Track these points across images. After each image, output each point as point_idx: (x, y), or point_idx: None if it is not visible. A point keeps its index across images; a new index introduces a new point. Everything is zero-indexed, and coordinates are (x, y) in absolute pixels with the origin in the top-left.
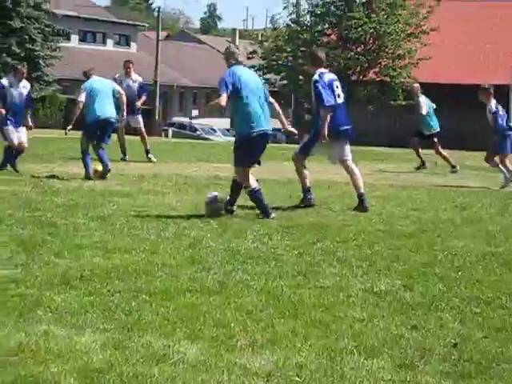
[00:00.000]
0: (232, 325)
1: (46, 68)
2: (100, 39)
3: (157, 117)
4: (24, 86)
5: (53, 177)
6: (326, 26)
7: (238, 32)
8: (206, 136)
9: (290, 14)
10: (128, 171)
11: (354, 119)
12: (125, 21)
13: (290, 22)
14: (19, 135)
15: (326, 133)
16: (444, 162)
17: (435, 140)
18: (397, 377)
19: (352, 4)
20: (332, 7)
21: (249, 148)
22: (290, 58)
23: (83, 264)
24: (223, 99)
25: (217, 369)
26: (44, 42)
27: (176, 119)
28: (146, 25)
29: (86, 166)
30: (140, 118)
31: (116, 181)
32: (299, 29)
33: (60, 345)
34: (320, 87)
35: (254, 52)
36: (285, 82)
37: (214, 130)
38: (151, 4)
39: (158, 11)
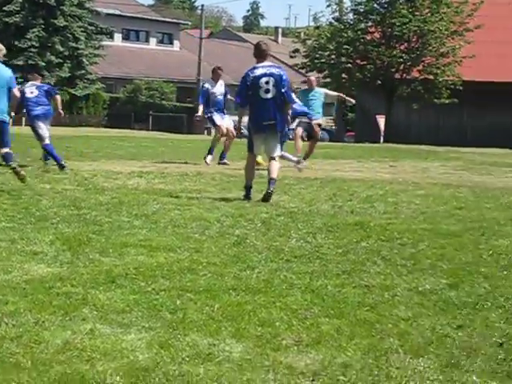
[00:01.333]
0: (277, 324)
1: (89, 66)
2: (143, 37)
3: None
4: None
5: (96, 175)
6: (370, 23)
7: (280, 30)
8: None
9: (333, 12)
10: (171, 169)
11: (397, 117)
12: (168, 19)
13: (332, 20)
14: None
15: (239, 128)
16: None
17: None
18: (443, 376)
19: (396, 1)
20: (375, 5)
21: None
22: (333, 56)
23: (128, 262)
24: None
25: (262, 368)
26: (87, 40)
27: None
28: (189, 23)
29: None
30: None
31: (159, 179)
32: (342, 27)
33: (105, 343)
34: (241, 84)
35: (297, 50)
36: (328, 79)
37: None
38: (194, 2)
39: (202, 9)
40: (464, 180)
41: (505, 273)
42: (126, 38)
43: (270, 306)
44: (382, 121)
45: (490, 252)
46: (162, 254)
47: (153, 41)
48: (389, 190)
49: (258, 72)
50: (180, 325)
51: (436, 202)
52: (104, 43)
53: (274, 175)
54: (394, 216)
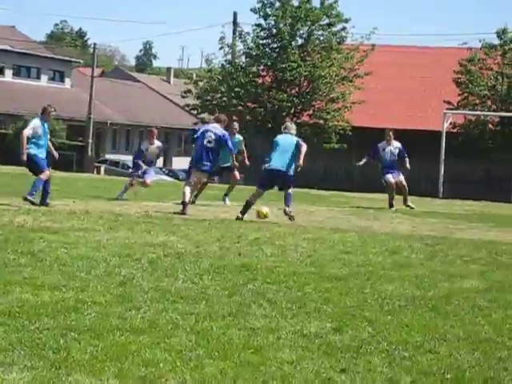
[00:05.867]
0: (161, 364)
1: None
2: (34, 74)
3: (89, 153)
4: None
5: None
6: (261, 67)
7: (173, 71)
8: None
9: (225, 55)
10: (59, 207)
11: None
12: (59, 56)
13: (224, 63)
14: None
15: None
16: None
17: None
18: None
19: (287, 46)
20: (267, 49)
21: None
22: (224, 99)
23: (12, 300)
24: None
25: None
26: None
27: (109, 156)
28: (81, 61)
29: None
30: None
31: (47, 217)
32: (233, 70)
33: None
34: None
35: (189, 91)
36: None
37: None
38: (86, 40)
39: (94, 47)
40: (351, 224)
41: (389, 317)
42: (16, 74)
43: (155, 347)
44: None
45: (375, 296)
46: (46, 292)
47: (44, 78)
48: (276, 232)
49: (205, 128)
50: (63, 364)
51: (323, 245)
52: None
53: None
54: (281, 259)
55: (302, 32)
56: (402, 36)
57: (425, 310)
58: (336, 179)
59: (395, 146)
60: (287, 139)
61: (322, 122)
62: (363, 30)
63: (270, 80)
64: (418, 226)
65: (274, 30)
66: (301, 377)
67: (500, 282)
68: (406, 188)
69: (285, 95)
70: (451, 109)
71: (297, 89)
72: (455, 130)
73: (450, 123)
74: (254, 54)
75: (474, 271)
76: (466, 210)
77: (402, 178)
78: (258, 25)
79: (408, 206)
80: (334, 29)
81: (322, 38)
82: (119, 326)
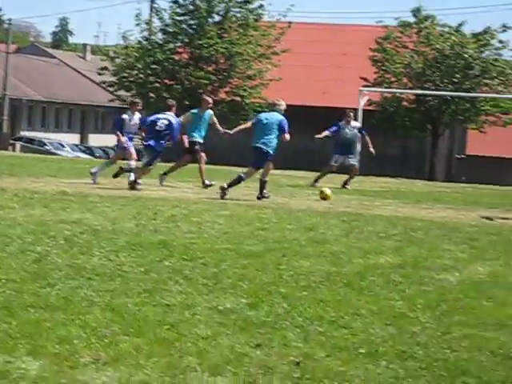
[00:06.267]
0: (75, 341)
1: None
2: None
3: (5, 130)
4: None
5: None
6: (178, 44)
7: (89, 47)
8: (55, 151)
9: (142, 32)
10: None
11: (206, 138)
12: None
13: (141, 40)
14: None
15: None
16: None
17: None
18: None
19: (204, 23)
20: (184, 26)
21: None
22: (141, 76)
23: None
24: None
25: None
26: None
27: (24, 133)
28: None
29: None
30: None
31: None
32: (150, 47)
33: None
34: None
35: (105, 68)
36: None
37: (63, 146)
38: (1, 16)
39: (9, 23)
40: (268, 201)
41: (304, 293)
42: None
43: (69, 324)
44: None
45: (291, 272)
46: None
47: None
48: (193, 209)
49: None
50: None
51: (239, 222)
52: None
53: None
54: (198, 236)
55: (219, 9)
56: (319, 13)
57: (340, 285)
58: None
59: (353, 125)
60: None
61: (239, 99)
62: (280, 8)
63: (187, 57)
64: (334, 203)
65: (191, 7)
66: (216, 352)
67: (414, 257)
68: (355, 172)
69: (202, 72)
70: (367, 86)
71: (214, 66)
72: (371, 108)
73: (367, 100)
74: (171, 30)
75: (388, 247)
76: (382, 187)
77: (353, 161)
78: (175, 1)
79: (345, 187)
80: (250, 6)
81: (239, 15)
82: (33, 303)
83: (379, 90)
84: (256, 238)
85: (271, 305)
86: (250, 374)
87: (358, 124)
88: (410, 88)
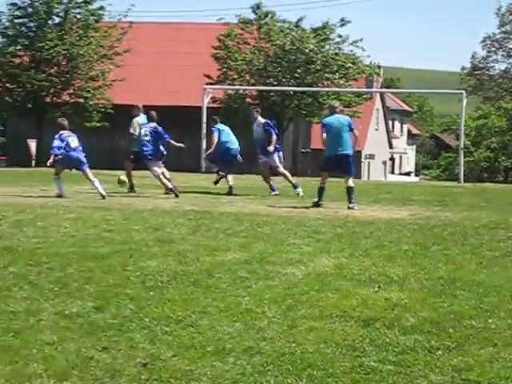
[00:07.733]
0: None
1: None
2: None
3: None
4: None
5: None
6: (18, 47)
7: None
8: None
9: None
10: None
11: (49, 141)
12: None
13: None
14: None
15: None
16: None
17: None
18: None
19: (44, 25)
20: (23, 28)
21: None
22: None
23: None
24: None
25: None
26: None
27: None
28: None
29: None
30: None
31: None
32: None
33: None
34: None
35: None
36: None
37: None
38: None
39: None
40: (113, 202)
41: (151, 293)
42: None
43: None
44: (33, 145)
45: (138, 273)
46: None
47: None
48: (39, 214)
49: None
50: None
51: (86, 225)
52: None
53: None
54: (43, 240)
55: (58, 10)
56: (161, 12)
57: (187, 284)
58: (99, 157)
59: (258, 122)
60: None
61: (82, 100)
62: (121, 8)
63: (28, 60)
64: (180, 202)
65: (30, 9)
66: (62, 357)
67: (260, 253)
68: (270, 171)
69: (43, 75)
70: (211, 83)
71: (56, 68)
72: (215, 105)
73: (211, 98)
74: (10, 33)
75: (235, 244)
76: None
77: (266, 159)
78: (14, 4)
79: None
80: (91, 7)
81: (79, 16)
82: None
83: (223, 87)
84: (102, 240)
85: (118, 307)
86: (96, 377)
87: (262, 120)
88: (253, 84)
